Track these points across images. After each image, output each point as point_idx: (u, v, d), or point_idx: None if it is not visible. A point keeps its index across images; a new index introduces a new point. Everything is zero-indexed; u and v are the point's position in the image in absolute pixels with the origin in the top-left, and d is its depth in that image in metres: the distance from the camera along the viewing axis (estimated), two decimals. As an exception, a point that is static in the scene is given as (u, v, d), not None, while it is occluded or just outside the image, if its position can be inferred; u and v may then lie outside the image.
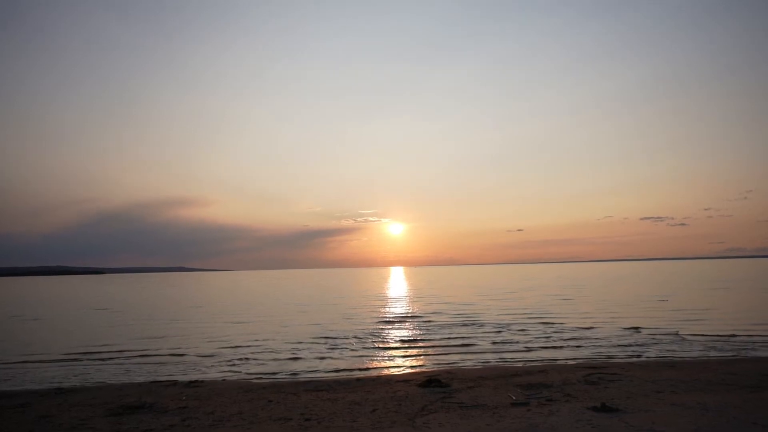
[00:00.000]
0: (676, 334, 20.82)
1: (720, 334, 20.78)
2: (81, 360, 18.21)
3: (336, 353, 18.43)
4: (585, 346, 18.61)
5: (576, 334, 21.45)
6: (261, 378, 14.61)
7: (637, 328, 22.74)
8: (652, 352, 17.21)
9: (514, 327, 24.30)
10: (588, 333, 21.81)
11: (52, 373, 15.84)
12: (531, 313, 30.29)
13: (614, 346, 18.47)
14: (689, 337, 20.11)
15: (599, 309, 32.24)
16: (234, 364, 16.71)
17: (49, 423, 9.76)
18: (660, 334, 20.97)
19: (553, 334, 21.62)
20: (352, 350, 19.02)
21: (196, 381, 13.87)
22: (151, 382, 14.08)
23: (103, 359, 18.23)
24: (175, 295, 64.70)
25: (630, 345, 18.71)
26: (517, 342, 19.92)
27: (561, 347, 18.57)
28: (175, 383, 13.62)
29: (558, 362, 15.77)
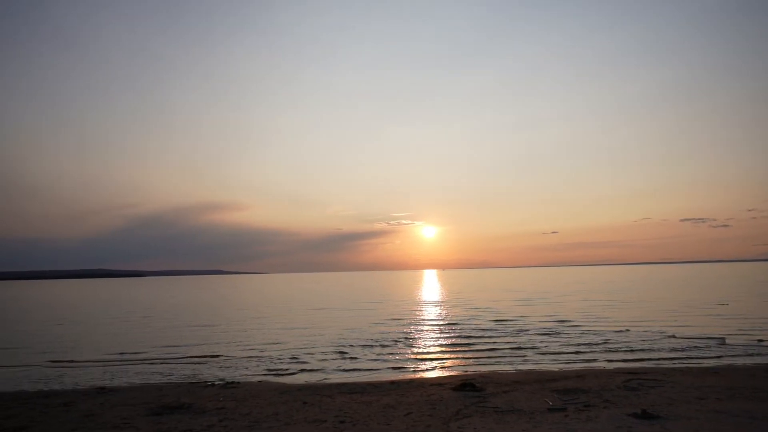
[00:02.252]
0: (723, 340, 19.89)
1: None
2: (121, 361, 18.72)
3: (370, 357, 18.46)
4: (626, 351, 18.11)
5: (618, 339, 20.85)
6: (296, 380, 14.75)
7: (674, 335, 22.00)
8: (698, 358, 16.66)
9: (551, 331, 23.87)
10: (630, 338, 21.17)
11: (93, 374, 16.32)
12: (570, 318, 29.63)
13: (658, 352, 17.89)
14: (734, 343, 19.39)
15: (646, 313, 31.23)
16: (269, 367, 16.90)
17: (93, 421, 10.05)
18: (703, 338, 20.31)
19: (593, 339, 21.08)
20: (387, 354, 19.01)
21: (232, 382, 14.09)
22: (190, 383, 14.36)
23: (142, 361, 18.68)
24: (211, 298, 65.85)
25: (675, 350, 18.11)
26: (554, 346, 19.55)
27: (600, 352, 18.11)
28: (212, 384, 13.87)
29: (596, 367, 15.45)
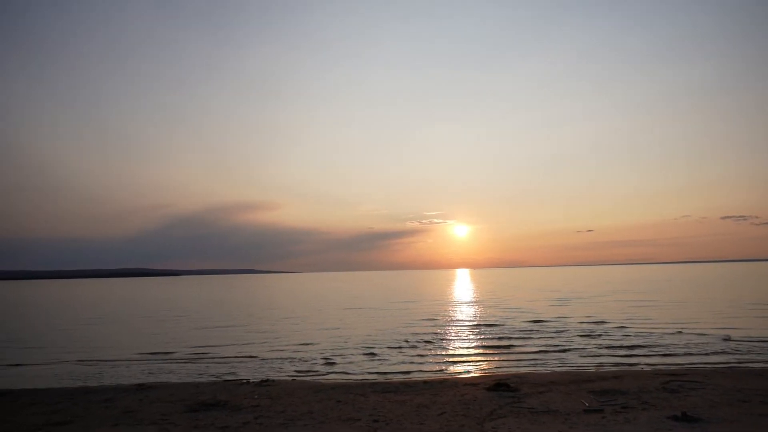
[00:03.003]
0: None
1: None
2: (158, 359, 19.15)
3: (402, 357, 18.47)
4: (667, 353, 17.66)
5: (665, 342, 20.17)
6: (330, 379, 14.86)
7: (729, 337, 21.14)
8: (755, 362, 16.00)
9: (591, 332, 23.43)
10: (680, 340, 20.45)
11: (132, 371, 16.77)
12: (609, 318, 28.93)
13: (700, 353, 17.34)
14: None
15: (692, 314, 30.26)
16: (303, 365, 17.09)
17: (132, 417, 10.31)
18: (761, 340, 19.61)
19: (635, 341, 20.50)
20: (419, 354, 18.99)
21: (267, 380, 14.27)
22: (225, 381, 14.61)
23: (178, 359, 19.09)
24: (243, 297, 66.76)
25: (718, 352, 17.53)
26: (593, 348, 19.21)
27: (643, 355, 17.60)
28: (247, 382, 14.07)
29: (634, 368, 15.12)
